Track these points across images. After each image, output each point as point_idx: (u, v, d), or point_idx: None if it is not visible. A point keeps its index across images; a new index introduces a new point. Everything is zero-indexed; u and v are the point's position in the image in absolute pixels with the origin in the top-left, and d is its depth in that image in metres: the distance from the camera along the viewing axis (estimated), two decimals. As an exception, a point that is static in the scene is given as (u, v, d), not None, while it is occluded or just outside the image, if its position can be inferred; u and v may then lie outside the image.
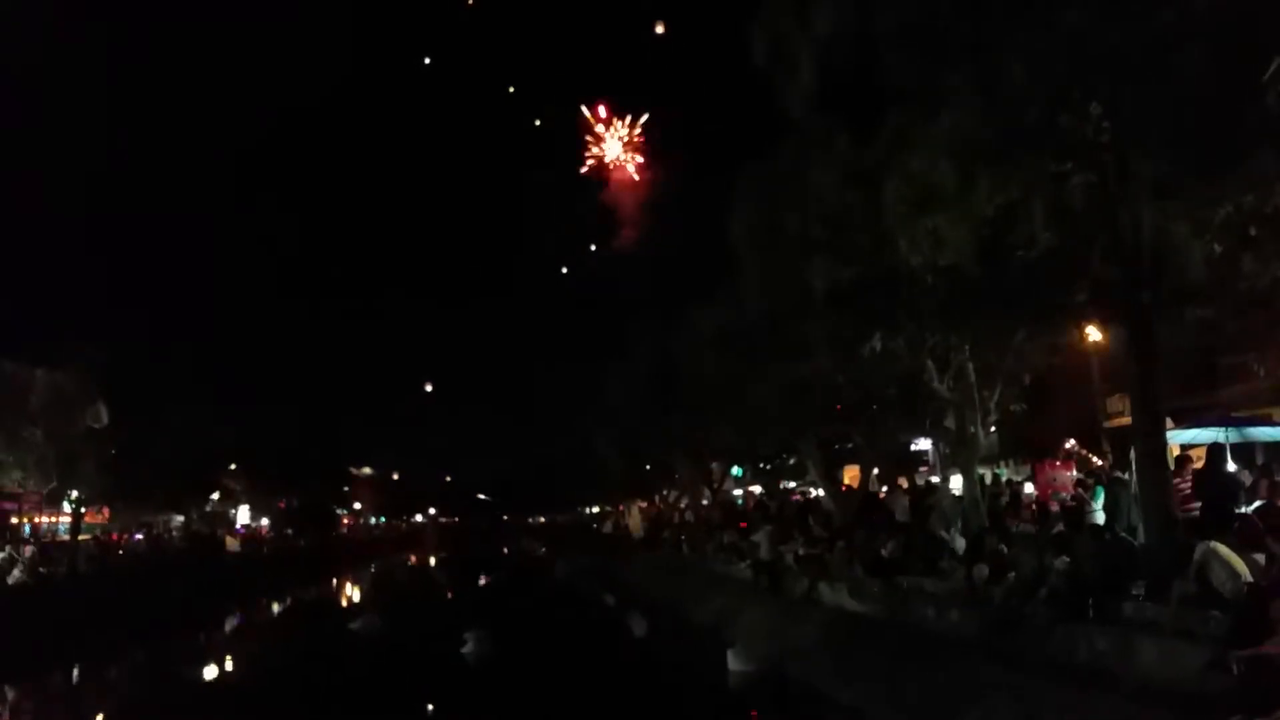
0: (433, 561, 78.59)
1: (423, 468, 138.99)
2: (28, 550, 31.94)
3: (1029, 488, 21.70)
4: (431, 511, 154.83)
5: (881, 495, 24.31)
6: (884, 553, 17.69)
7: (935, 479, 29.82)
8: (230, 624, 34.09)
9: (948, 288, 13.12)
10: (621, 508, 67.42)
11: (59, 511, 40.64)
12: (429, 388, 71.62)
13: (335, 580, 56.23)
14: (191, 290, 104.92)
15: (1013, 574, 13.41)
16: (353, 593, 50.96)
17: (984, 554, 14.87)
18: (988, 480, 21.74)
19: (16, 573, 27.34)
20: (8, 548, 30.65)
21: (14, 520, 38.50)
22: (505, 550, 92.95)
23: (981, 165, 11.52)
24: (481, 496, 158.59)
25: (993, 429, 18.72)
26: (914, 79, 12.65)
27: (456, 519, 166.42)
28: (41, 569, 29.97)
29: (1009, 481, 23.39)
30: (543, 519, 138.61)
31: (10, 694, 19.78)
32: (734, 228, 17.70)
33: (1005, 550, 14.73)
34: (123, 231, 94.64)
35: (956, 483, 24.99)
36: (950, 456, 22.34)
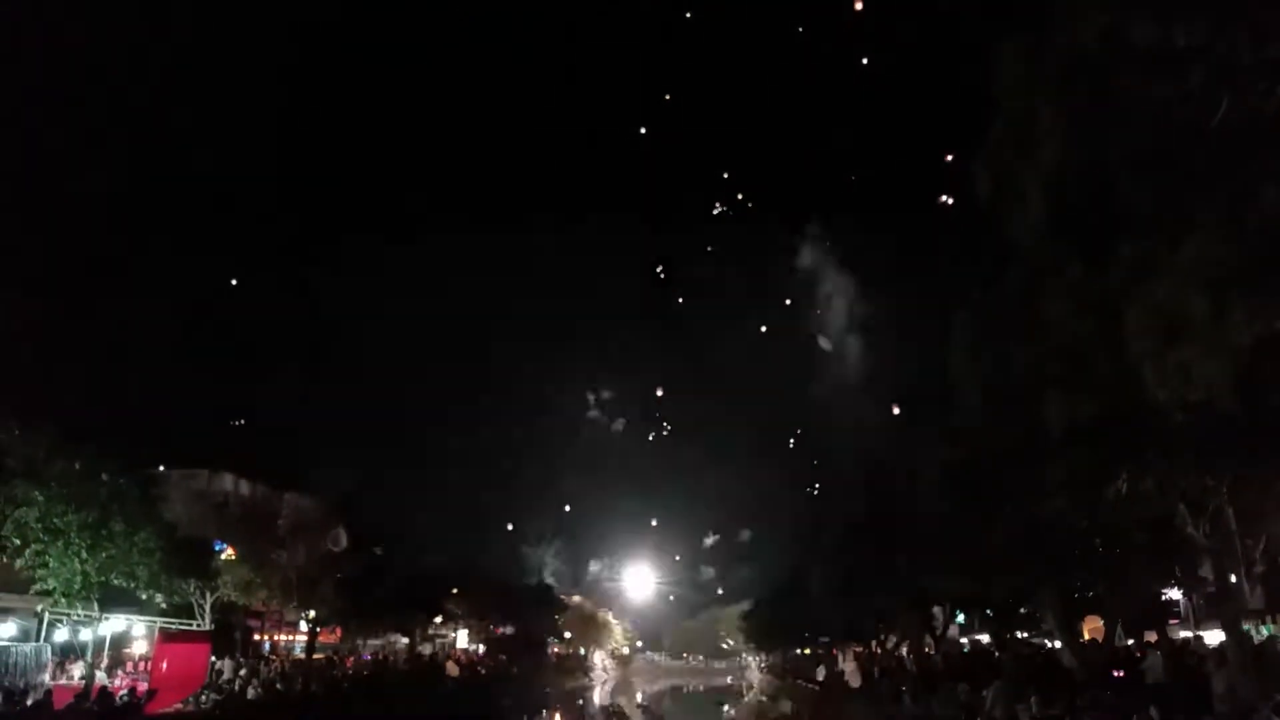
0: (640, 696, 77.65)
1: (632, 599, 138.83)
2: (271, 666, 34.03)
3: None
4: (639, 644, 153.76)
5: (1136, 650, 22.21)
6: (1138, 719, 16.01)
7: (1186, 633, 27.12)
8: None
9: (1202, 423, 12.16)
10: (835, 651, 64.60)
11: (296, 630, 43.20)
12: (654, 523, 71.67)
13: (545, 709, 56.51)
14: (411, 418, 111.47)
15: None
16: (563, 725, 50.98)
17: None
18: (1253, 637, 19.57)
19: (252, 690, 29.06)
20: (250, 663, 32.88)
21: (256, 637, 41.34)
22: (715, 688, 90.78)
23: (1235, 294, 10.80)
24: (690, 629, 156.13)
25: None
26: (1153, 207, 12.15)
27: (663, 652, 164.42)
28: (279, 685, 31.72)
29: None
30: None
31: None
32: (954, 359, 17.14)
33: (1281, 720, 13.11)
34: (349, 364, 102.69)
35: (1210, 637, 22.58)
36: (1207, 609, 20.26)
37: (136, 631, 28.41)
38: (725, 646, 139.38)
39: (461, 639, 65.92)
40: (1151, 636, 24.56)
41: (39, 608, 24.33)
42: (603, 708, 67.74)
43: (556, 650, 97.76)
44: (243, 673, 30.62)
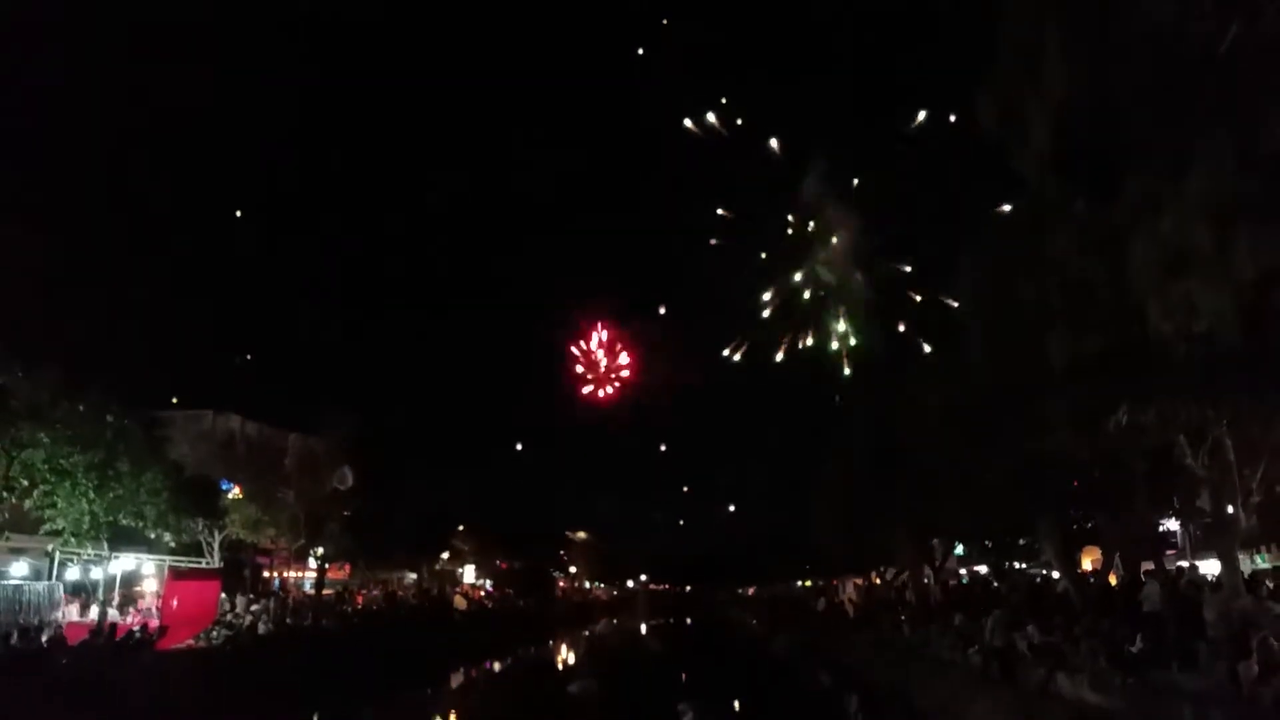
0: (644, 629, 78.99)
1: (635, 534, 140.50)
2: (280, 602, 34.54)
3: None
4: (643, 578, 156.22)
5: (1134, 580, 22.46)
6: (1132, 648, 16.27)
7: (1183, 563, 27.44)
8: (457, 680, 35.44)
9: (1204, 356, 12.16)
10: (836, 583, 65.62)
11: (305, 566, 43.79)
12: (663, 447, 71.67)
13: (552, 641, 57.54)
14: (421, 364, 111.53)
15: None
16: (568, 655, 51.90)
17: (1250, 648, 13.48)
18: (1245, 567, 19.83)
19: (262, 626, 29.54)
20: (262, 601, 33.36)
21: (265, 574, 41.92)
22: (717, 620, 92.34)
23: (1241, 226, 10.71)
24: (693, 565, 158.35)
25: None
26: (1160, 138, 11.99)
27: (667, 586, 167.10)
28: (288, 620, 32.21)
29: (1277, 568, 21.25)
30: (753, 590, 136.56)
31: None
32: (959, 297, 17.13)
33: (1276, 645, 13.31)
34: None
35: (1205, 567, 22.84)
36: (1204, 539, 20.48)
37: (146, 570, 28.78)
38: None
39: (469, 574, 66.94)
40: (1148, 566, 24.82)
41: (49, 547, 24.63)
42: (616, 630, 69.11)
43: (563, 584, 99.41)
44: (254, 608, 31.08)
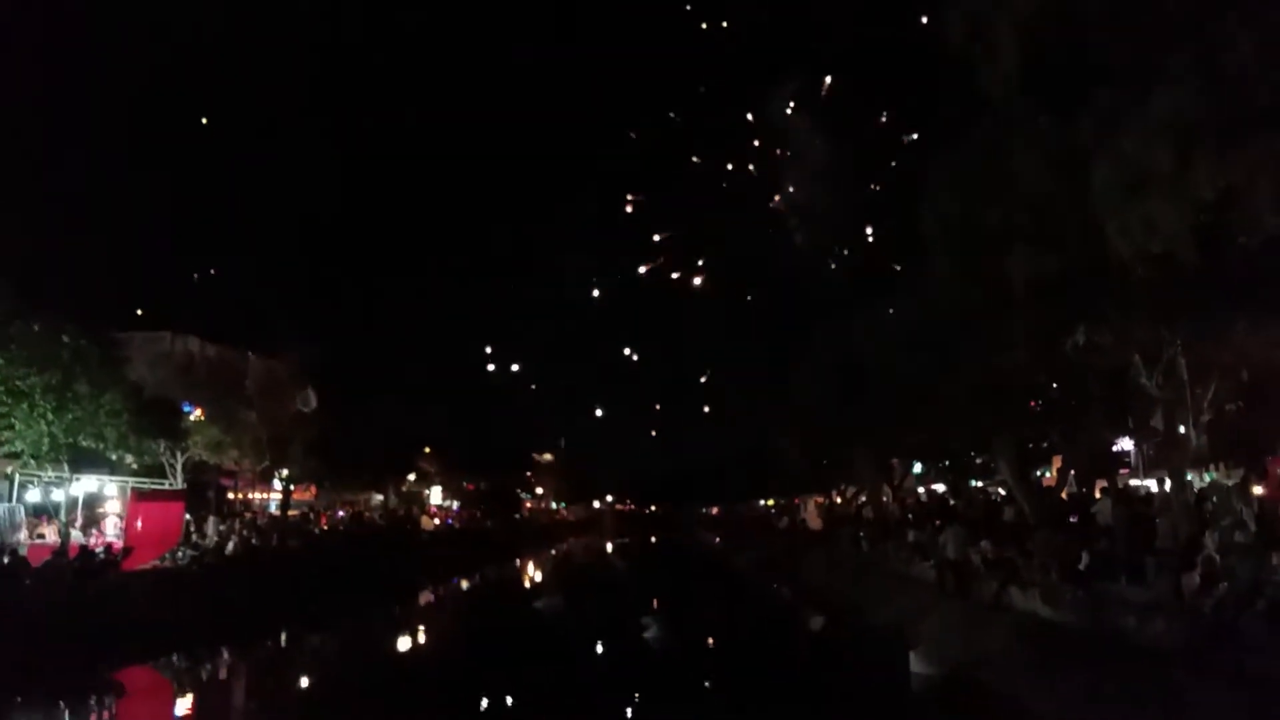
0: (609, 547, 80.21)
1: (602, 455, 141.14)
2: (245, 522, 34.59)
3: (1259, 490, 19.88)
4: (609, 499, 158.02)
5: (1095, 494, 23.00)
6: (1081, 565, 16.76)
7: (1137, 482, 28.18)
8: (424, 599, 35.91)
9: (1160, 277, 12.31)
10: (798, 501, 66.75)
11: (270, 488, 43.78)
12: (632, 355, 70.71)
13: (519, 560, 58.33)
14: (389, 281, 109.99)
15: (1224, 584, 12.53)
16: (535, 574, 52.69)
17: (1195, 562, 13.93)
18: (1196, 484, 20.35)
19: (230, 545, 29.59)
20: (228, 521, 33.38)
21: (230, 495, 41.86)
22: (681, 539, 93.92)
23: (1201, 147, 10.76)
24: (659, 485, 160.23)
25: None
26: (1125, 58, 11.95)
27: (633, 506, 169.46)
28: (254, 541, 32.26)
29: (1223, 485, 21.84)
30: (716, 510, 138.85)
31: (224, 657, 21.60)
32: (925, 218, 17.09)
33: (1218, 559, 13.77)
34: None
35: (1156, 484, 23.45)
36: (1156, 457, 20.97)
37: (109, 492, 28.62)
38: None
39: (436, 495, 67.33)
40: (1102, 483, 25.44)
41: (9, 470, 24.39)
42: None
43: (529, 505, 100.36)
44: (221, 528, 31.11)
